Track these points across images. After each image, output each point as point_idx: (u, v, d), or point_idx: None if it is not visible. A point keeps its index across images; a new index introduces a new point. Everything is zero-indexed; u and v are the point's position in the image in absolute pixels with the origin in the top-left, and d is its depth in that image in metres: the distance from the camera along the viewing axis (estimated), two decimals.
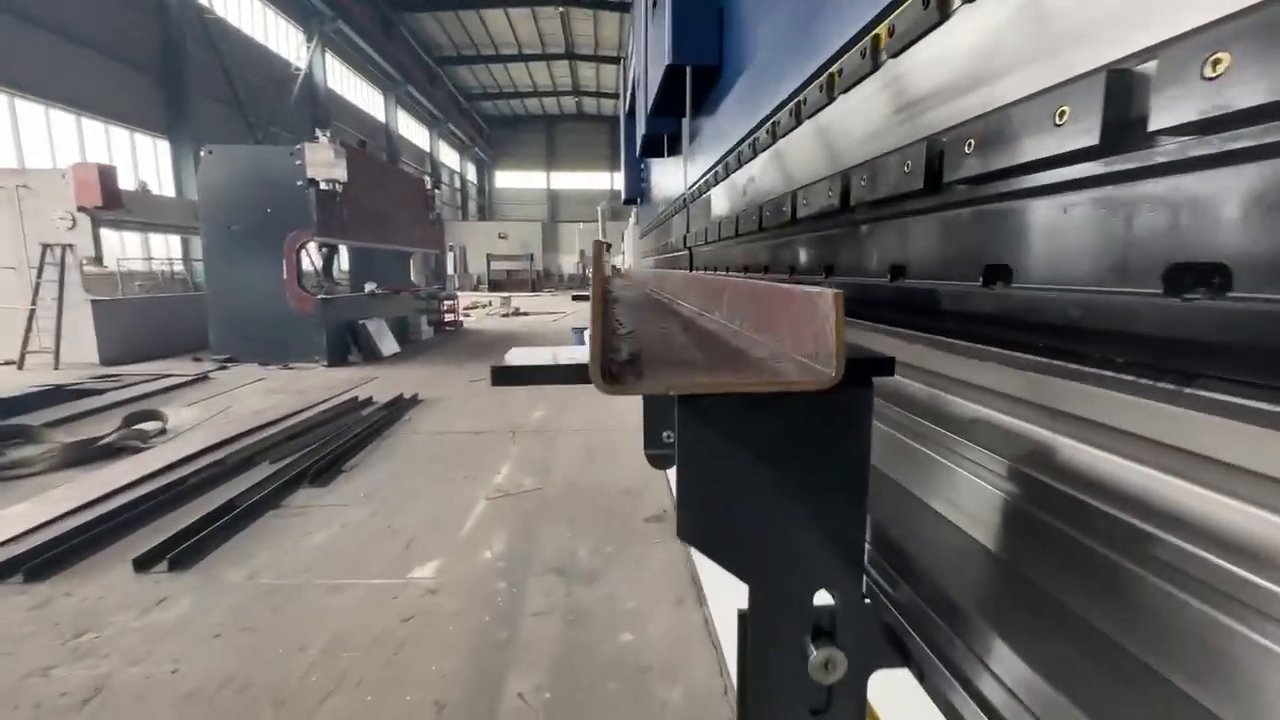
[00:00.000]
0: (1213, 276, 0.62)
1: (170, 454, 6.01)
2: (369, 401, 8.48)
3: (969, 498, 0.97)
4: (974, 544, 0.94)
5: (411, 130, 35.91)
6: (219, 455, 6.01)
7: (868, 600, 1.02)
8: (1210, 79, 0.59)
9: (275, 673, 2.93)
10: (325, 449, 6.18)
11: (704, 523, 0.92)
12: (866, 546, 0.99)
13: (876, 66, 1.35)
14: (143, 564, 3.92)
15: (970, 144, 0.99)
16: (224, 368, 11.52)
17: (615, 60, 36.66)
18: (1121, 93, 0.71)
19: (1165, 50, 0.64)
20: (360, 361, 12.26)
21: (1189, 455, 0.65)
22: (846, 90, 1.51)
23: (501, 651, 3.11)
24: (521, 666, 2.99)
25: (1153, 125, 0.65)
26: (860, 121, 1.48)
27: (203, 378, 10.42)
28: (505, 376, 0.84)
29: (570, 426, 7.34)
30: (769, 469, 0.90)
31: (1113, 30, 0.73)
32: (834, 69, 1.57)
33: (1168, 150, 0.66)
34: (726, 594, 3.22)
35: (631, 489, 5.23)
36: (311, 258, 13.13)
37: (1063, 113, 0.77)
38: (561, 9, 30.64)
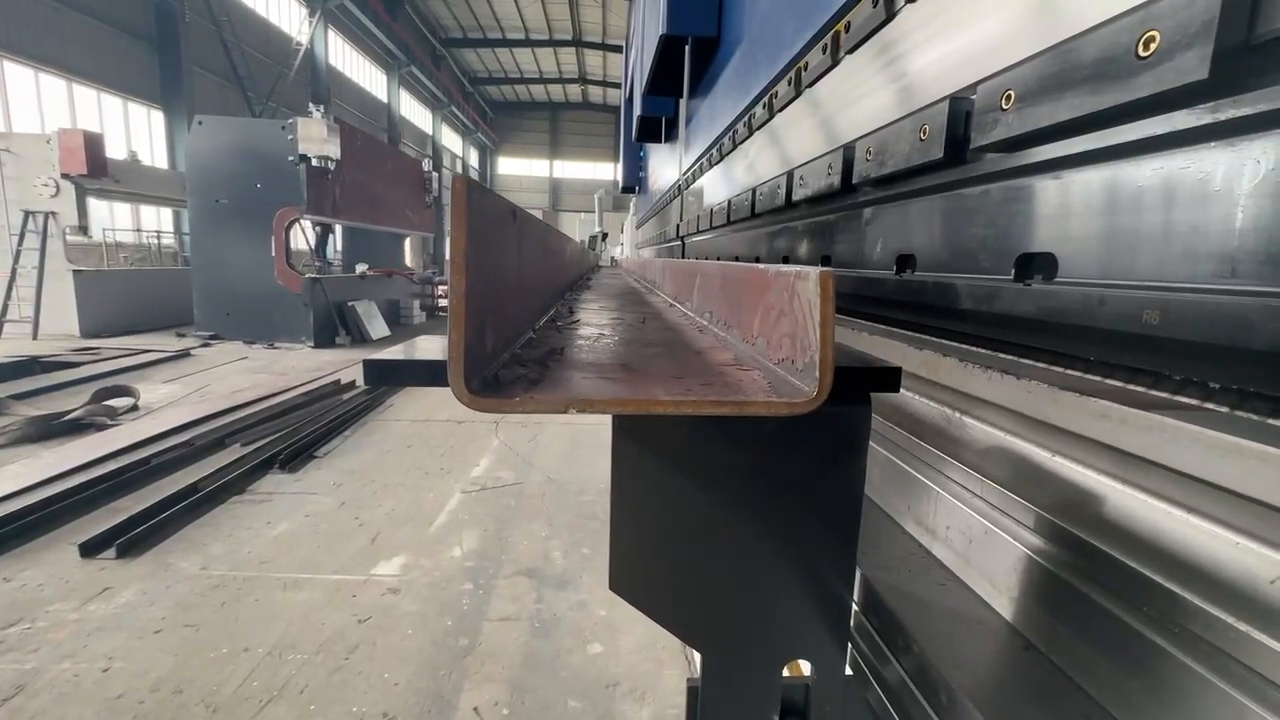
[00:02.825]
0: (1046, 264, 0.72)
1: (138, 432, 5.78)
2: (351, 385, 8.24)
3: (990, 555, 0.76)
4: (990, 612, 0.73)
5: (414, 112, 35.37)
6: (188, 435, 5.78)
7: (851, 674, 0.81)
8: (1005, 109, 0.74)
9: (214, 675, 2.72)
10: (299, 433, 5.95)
11: (643, 573, 0.71)
12: (854, 608, 0.77)
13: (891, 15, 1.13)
14: (90, 549, 3.70)
15: (869, 152, 1.13)
16: (207, 345, 11.26)
17: (621, 49, 36.18)
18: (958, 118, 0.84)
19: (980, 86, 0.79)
20: (348, 344, 12.00)
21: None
22: (852, 50, 1.29)
23: (461, 660, 2.90)
24: (480, 679, 2.78)
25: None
26: (863, 87, 1.26)
27: (184, 354, 10.16)
28: (378, 373, 0.62)
29: (557, 417, 7.13)
30: (730, 507, 0.68)
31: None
32: (839, 25, 1.35)
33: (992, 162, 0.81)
34: None
35: None
36: (306, 236, 12.84)
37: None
38: None
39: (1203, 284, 0.55)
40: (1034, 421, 0.71)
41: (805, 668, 0.78)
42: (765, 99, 1.94)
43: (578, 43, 36.61)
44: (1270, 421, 0.51)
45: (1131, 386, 0.62)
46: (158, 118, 17.99)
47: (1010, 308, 0.79)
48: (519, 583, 3.62)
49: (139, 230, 16.97)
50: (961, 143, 0.90)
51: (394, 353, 0.69)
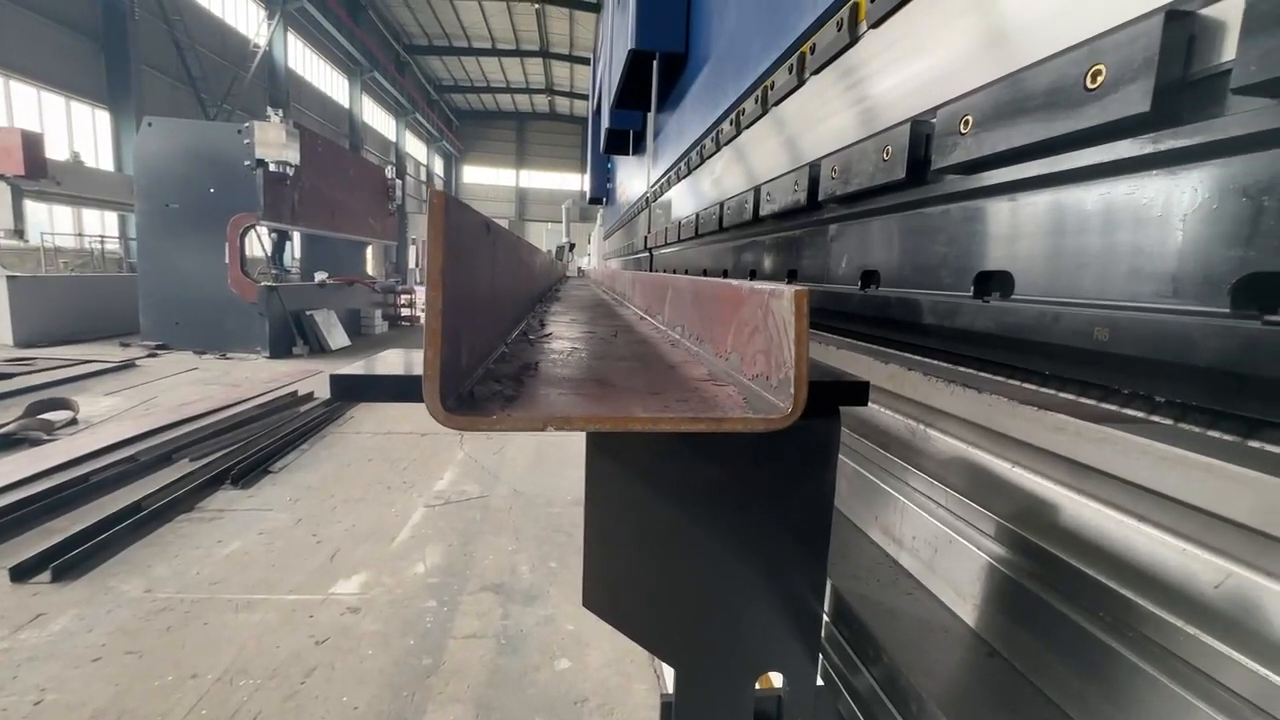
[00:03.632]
0: (1003, 280, 0.76)
1: (76, 447, 5.47)
2: (309, 397, 7.99)
3: (954, 563, 0.78)
4: (955, 620, 0.75)
5: (377, 118, 34.78)
6: (132, 450, 5.50)
7: (823, 684, 0.82)
8: (964, 134, 0.78)
9: (158, 705, 2.58)
10: (253, 447, 5.73)
11: (616, 589, 0.70)
12: (824, 619, 0.79)
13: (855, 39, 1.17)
14: (21, 574, 3.47)
15: (835, 170, 1.16)
16: (154, 355, 10.76)
17: (589, 61, 36.37)
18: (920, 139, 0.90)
19: (940, 110, 0.83)
20: (306, 354, 11.64)
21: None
22: (818, 70, 1.33)
23: (424, 680, 2.82)
24: (444, 699, 2.71)
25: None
26: (828, 106, 1.30)
27: (128, 365, 9.69)
28: (346, 388, 0.61)
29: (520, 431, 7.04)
30: (702, 522, 0.68)
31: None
32: (805, 47, 1.39)
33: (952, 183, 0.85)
34: None
35: (581, 498, 4.98)
36: (262, 242, 12.44)
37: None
38: (537, 5, 30.22)
39: (1147, 303, 0.59)
40: (995, 434, 0.74)
41: (777, 679, 0.79)
42: (733, 115, 1.98)
43: (545, 54, 36.67)
44: (1210, 433, 0.54)
45: (1085, 400, 0.65)
46: (103, 118, 17.22)
47: (971, 323, 0.82)
48: (485, 598, 3.55)
49: (80, 235, 16.17)
50: (922, 164, 0.93)
51: (363, 367, 0.68)
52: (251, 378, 9.25)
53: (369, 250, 18.44)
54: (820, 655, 0.78)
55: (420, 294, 21.56)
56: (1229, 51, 0.50)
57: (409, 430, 6.85)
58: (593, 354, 0.77)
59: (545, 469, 5.71)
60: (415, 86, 36.93)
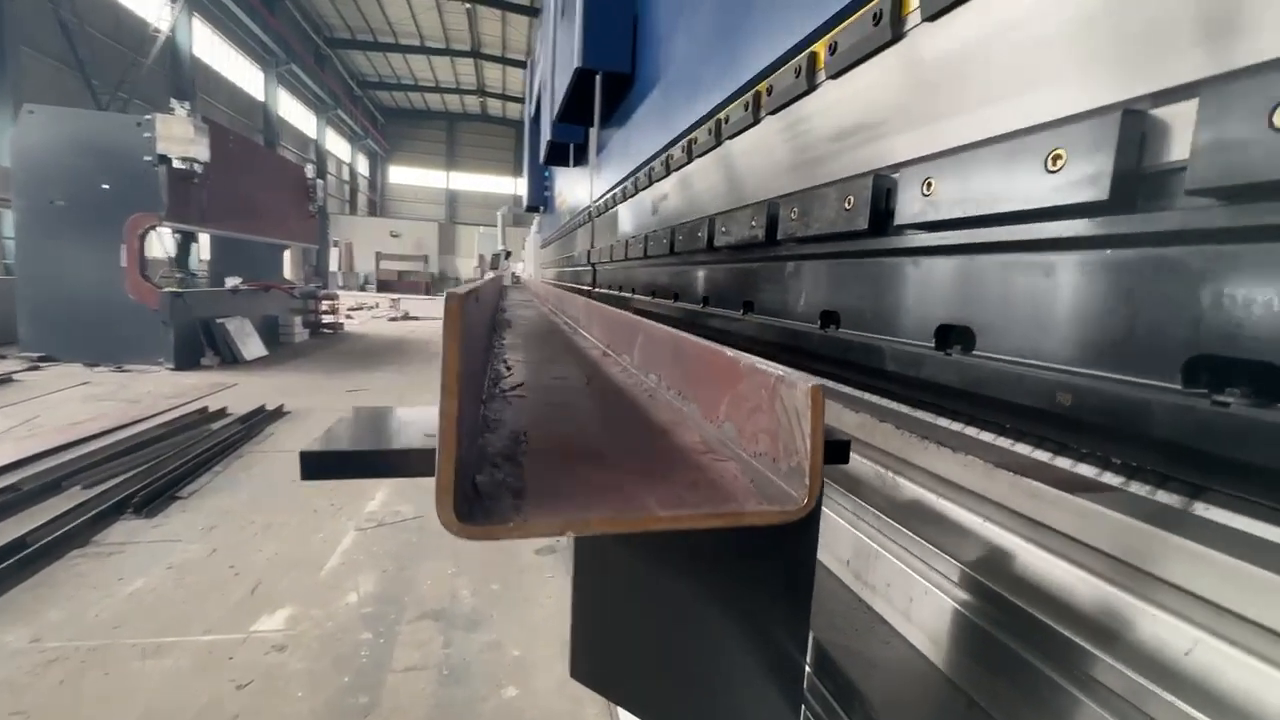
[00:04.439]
0: (964, 335, 0.82)
1: None
2: (222, 413, 7.42)
3: (925, 609, 0.81)
4: (931, 667, 0.78)
5: (295, 114, 32.86)
6: (12, 479, 4.92)
7: None
8: (927, 195, 0.83)
9: None
10: (158, 471, 5.26)
11: (603, 658, 0.69)
12: (807, 670, 0.80)
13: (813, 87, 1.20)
14: None
15: (794, 211, 1.19)
16: (36, 368, 9.69)
17: (522, 64, 35.94)
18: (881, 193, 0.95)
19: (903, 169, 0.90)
20: (217, 365, 10.81)
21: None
22: (775, 112, 1.36)
23: None
24: None
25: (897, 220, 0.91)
26: (783, 149, 1.34)
27: (5, 379, 8.68)
28: (320, 467, 0.56)
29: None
30: (687, 587, 0.68)
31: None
32: (761, 87, 1.42)
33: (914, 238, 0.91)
34: None
35: None
36: (165, 245, 11.46)
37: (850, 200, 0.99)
38: (468, 5, 29.56)
39: (1106, 373, 0.63)
40: (973, 494, 0.78)
41: None
42: (684, 143, 2.00)
43: (477, 54, 35.93)
44: (1158, 497, 0.58)
45: (1058, 462, 0.69)
46: None
47: (934, 375, 0.86)
48: (424, 627, 3.40)
49: None
50: (884, 216, 0.97)
51: (325, 441, 0.63)
52: (154, 392, 8.50)
53: (287, 254, 17.40)
54: (802, 705, 0.80)
55: (345, 300, 20.56)
56: (1181, 151, 0.55)
57: None
58: (574, 409, 0.75)
59: None
60: (337, 81, 35.26)
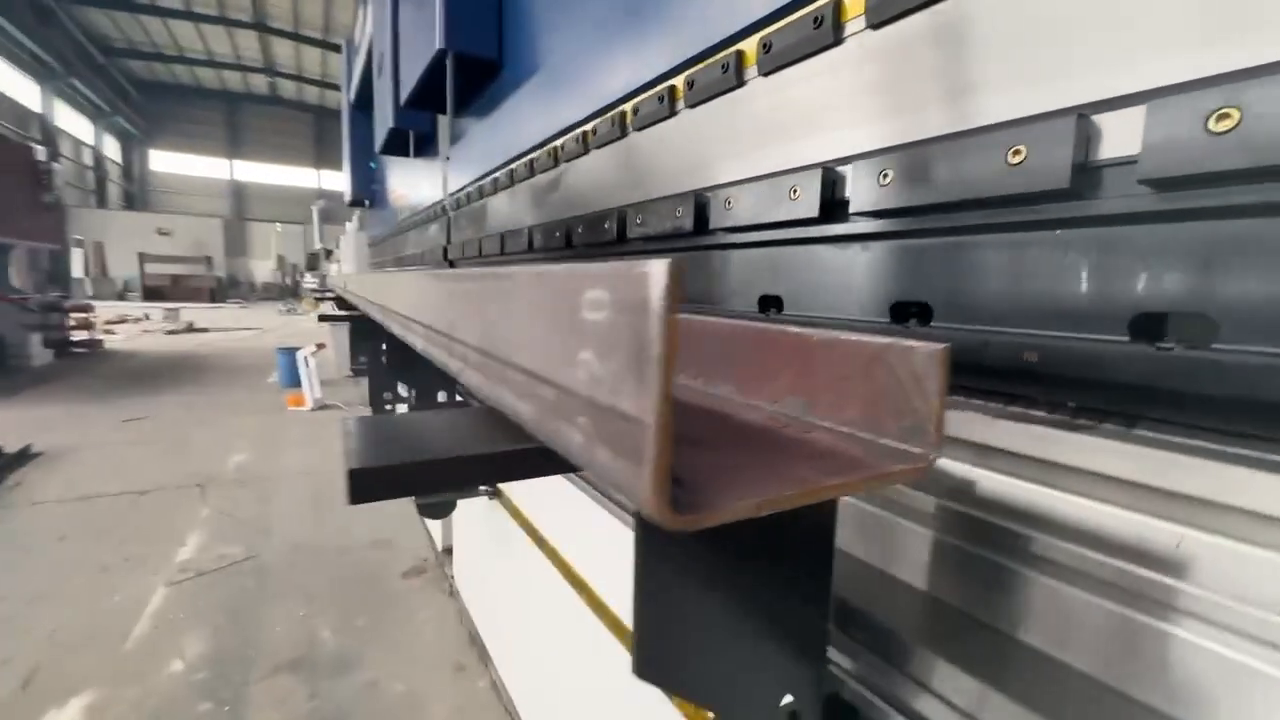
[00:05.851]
0: (920, 310, 0.92)
1: None
2: None
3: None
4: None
5: (8, 81, 25.99)
6: None
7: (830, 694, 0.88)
8: (884, 185, 0.92)
9: None
10: None
11: (666, 656, 0.67)
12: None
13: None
14: None
15: (728, 201, 1.25)
16: None
17: (320, 43, 32.31)
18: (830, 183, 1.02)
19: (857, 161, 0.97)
20: None
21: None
22: (694, 106, 1.41)
23: None
24: None
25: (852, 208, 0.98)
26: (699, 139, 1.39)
27: None
28: (368, 485, 0.47)
29: (290, 469, 6.00)
30: (732, 581, 0.70)
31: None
32: (680, 79, 1.46)
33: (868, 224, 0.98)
34: (514, 650, 2.86)
35: (381, 539, 4.44)
36: None
37: (795, 189, 1.06)
38: None
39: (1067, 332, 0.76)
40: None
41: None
42: (578, 134, 1.97)
43: (261, 26, 31.53)
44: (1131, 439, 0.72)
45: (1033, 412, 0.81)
46: None
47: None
48: (281, 681, 2.95)
49: None
50: (834, 204, 1.05)
51: (388, 453, 0.52)
52: None
53: (13, 255, 13.78)
54: (824, 668, 0.84)
55: (102, 312, 16.92)
56: (1133, 146, 0.68)
57: (117, 490, 5.34)
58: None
59: (330, 511, 4.96)
60: (69, 44, 28.60)
